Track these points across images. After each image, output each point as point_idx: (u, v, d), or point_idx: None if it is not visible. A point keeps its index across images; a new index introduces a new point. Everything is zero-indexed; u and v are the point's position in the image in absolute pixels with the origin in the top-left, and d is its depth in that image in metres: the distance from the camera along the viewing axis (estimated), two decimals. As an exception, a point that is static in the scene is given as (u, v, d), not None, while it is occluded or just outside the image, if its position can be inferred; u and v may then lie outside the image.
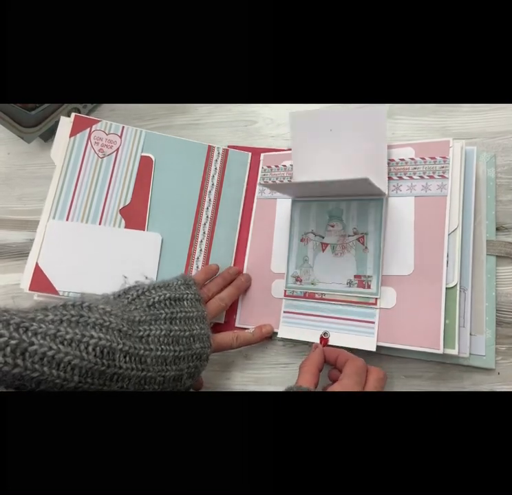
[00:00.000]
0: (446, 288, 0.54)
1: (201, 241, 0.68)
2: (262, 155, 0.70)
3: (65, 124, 0.69)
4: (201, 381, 0.61)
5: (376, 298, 0.56)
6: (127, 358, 0.46)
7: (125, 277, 0.58)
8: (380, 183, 0.58)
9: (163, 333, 0.51)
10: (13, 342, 0.39)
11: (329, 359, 0.55)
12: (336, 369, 0.55)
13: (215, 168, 0.70)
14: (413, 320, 0.54)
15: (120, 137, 0.69)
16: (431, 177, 0.57)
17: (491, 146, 0.63)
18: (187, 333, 0.53)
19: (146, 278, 0.59)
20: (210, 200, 0.69)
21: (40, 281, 0.63)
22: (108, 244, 0.65)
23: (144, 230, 0.67)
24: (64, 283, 0.63)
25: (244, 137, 0.74)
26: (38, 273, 0.63)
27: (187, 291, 0.56)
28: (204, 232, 0.68)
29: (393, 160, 0.60)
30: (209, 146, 0.70)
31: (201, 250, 0.67)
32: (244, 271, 0.67)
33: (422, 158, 0.58)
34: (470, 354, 0.54)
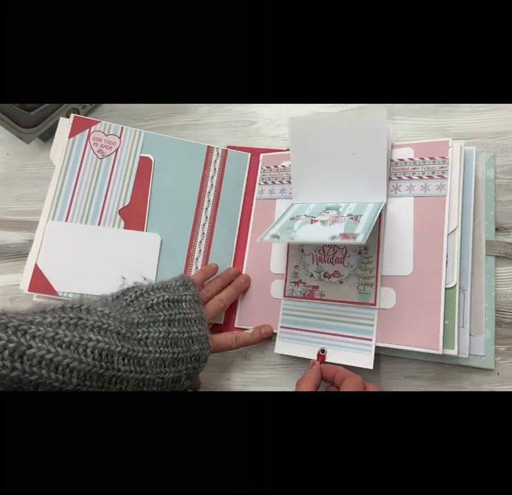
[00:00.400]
0: (446, 288, 0.54)
1: (201, 242, 0.68)
2: (261, 155, 0.70)
3: (64, 124, 0.69)
4: (199, 382, 0.61)
5: (375, 298, 0.56)
6: (126, 361, 0.46)
7: (124, 278, 0.58)
8: (379, 191, 0.58)
9: (162, 335, 0.51)
10: (11, 345, 0.39)
11: (327, 376, 0.55)
12: (333, 386, 0.54)
13: (214, 169, 0.70)
14: (413, 321, 0.54)
15: (119, 137, 0.69)
16: (430, 177, 0.57)
17: (491, 146, 0.63)
18: (186, 335, 0.53)
19: (145, 279, 0.59)
20: (209, 200, 0.69)
21: (39, 282, 0.63)
22: (107, 245, 0.65)
23: (143, 231, 0.67)
24: (63, 284, 0.63)
25: (243, 138, 0.74)
26: (37, 274, 0.63)
27: (186, 293, 0.56)
28: (203, 233, 0.68)
29: (392, 160, 0.60)
30: (208, 147, 0.70)
31: (200, 251, 0.67)
32: (243, 272, 0.67)
33: (422, 158, 0.58)
34: (469, 354, 0.54)
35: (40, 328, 0.42)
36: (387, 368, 0.59)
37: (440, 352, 0.52)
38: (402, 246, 0.57)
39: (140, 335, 0.49)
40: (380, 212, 0.57)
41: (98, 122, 0.69)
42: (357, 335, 0.57)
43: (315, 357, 0.58)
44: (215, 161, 0.70)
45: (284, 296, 0.62)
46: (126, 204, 0.67)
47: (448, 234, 0.55)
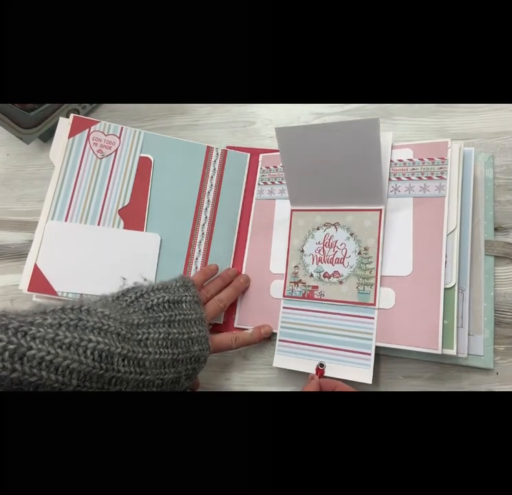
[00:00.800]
0: (445, 288, 0.54)
1: (200, 242, 0.68)
2: (261, 155, 0.71)
3: (64, 124, 0.69)
4: (197, 382, 0.61)
5: (375, 299, 0.56)
6: (126, 362, 0.46)
7: (124, 278, 0.58)
8: (376, 198, 0.58)
9: (162, 336, 0.51)
10: (11, 346, 0.39)
11: (326, 390, 0.55)
12: None
13: (214, 169, 0.70)
14: (412, 321, 0.54)
15: (119, 137, 0.70)
16: (429, 177, 0.57)
17: (489, 146, 0.63)
18: (186, 336, 0.53)
19: (145, 279, 0.59)
20: (208, 200, 0.69)
21: (38, 282, 0.63)
22: (107, 245, 0.65)
23: (143, 231, 0.67)
24: (62, 284, 0.63)
25: (243, 138, 0.74)
26: (36, 274, 0.63)
27: (186, 294, 0.56)
28: (203, 233, 0.68)
29: (391, 161, 0.60)
30: (208, 147, 0.71)
31: (200, 251, 0.67)
32: (243, 272, 0.67)
33: (421, 159, 0.58)
34: (468, 354, 0.54)
35: (41, 329, 0.42)
36: (386, 367, 0.59)
37: (439, 352, 0.52)
38: (401, 246, 0.57)
39: (140, 336, 0.49)
40: (380, 213, 0.58)
41: (98, 122, 0.70)
42: (356, 349, 0.56)
43: (314, 371, 0.58)
44: (215, 161, 0.70)
45: (284, 296, 0.62)
46: (125, 204, 0.67)
47: (447, 235, 0.55)
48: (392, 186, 0.59)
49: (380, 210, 0.58)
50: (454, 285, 0.54)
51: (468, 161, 0.58)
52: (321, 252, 0.61)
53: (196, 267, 0.67)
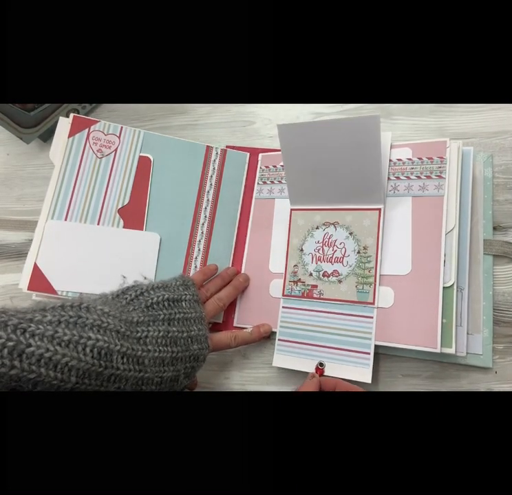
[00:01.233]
0: (444, 287, 0.54)
1: (200, 241, 0.68)
2: (260, 155, 0.71)
3: (64, 124, 0.69)
4: (195, 381, 0.61)
5: (374, 298, 0.57)
6: (125, 359, 0.47)
7: (124, 277, 0.58)
8: (375, 197, 0.58)
9: (161, 334, 0.51)
10: (10, 343, 0.39)
11: (326, 388, 0.55)
12: None
13: (213, 168, 0.70)
14: (411, 319, 0.54)
15: (119, 137, 0.70)
16: (428, 177, 0.57)
17: (488, 145, 0.63)
18: (185, 334, 0.53)
19: (145, 278, 0.59)
20: (208, 200, 0.69)
21: (38, 281, 0.63)
22: (106, 244, 0.66)
23: (142, 230, 0.67)
24: (62, 283, 0.63)
25: (242, 138, 0.74)
26: (36, 273, 0.63)
27: (186, 292, 0.56)
28: (202, 232, 0.68)
29: (390, 160, 0.60)
30: (207, 147, 0.71)
31: (199, 250, 0.67)
32: (242, 271, 0.67)
33: (420, 158, 0.58)
34: (467, 353, 0.55)
35: (40, 326, 0.42)
36: (385, 366, 0.60)
37: (437, 350, 0.52)
38: (400, 245, 0.57)
39: (139, 334, 0.49)
40: (379, 212, 0.58)
41: (98, 121, 0.70)
42: (355, 348, 0.56)
43: (313, 371, 0.58)
44: (214, 160, 0.71)
45: (283, 295, 0.63)
46: (125, 203, 0.67)
47: (446, 234, 0.55)
48: (391, 185, 0.59)
49: (379, 210, 0.58)
50: (453, 284, 0.54)
51: (467, 160, 0.58)
52: (320, 251, 0.61)
53: (195, 266, 0.67)
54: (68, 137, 0.69)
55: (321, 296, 0.60)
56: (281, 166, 0.67)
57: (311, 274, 0.61)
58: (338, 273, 0.60)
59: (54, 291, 0.63)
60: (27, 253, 0.64)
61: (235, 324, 0.66)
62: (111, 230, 0.66)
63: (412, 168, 0.59)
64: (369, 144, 0.56)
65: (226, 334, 0.61)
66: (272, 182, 0.68)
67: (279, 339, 0.61)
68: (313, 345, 0.59)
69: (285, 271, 0.63)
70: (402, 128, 0.67)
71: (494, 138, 0.64)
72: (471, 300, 0.57)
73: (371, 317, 0.56)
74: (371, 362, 0.55)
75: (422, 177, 0.58)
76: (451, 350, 0.52)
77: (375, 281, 0.57)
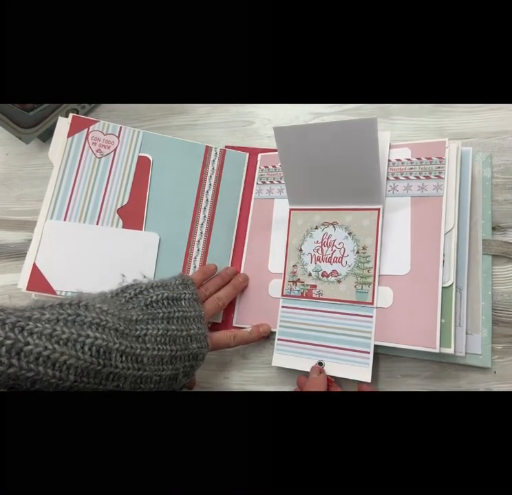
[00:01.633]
0: (443, 287, 0.54)
1: (199, 241, 0.68)
2: (259, 155, 0.71)
3: (63, 124, 0.69)
4: (194, 380, 0.61)
5: (373, 297, 0.57)
6: (123, 357, 0.46)
7: (123, 276, 0.58)
8: (375, 197, 0.58)
9: (160, 332, 0.51)
10: (8, 342, 0.39)
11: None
12: None
13: (213, 168, 0.70)
14: (410, 319, 0.54)
15: (118, 137, 0.70)
16: (427, 177, 0.57)
17: (487, 146, 0.63)
18: (184, 333, 0.53)
19: (145, 276, 0.59)
20: (207, 200, 0.69)
21: (37, 281, 0.63)
22: (105, 244, 0.65)
23: (141, 230, 0.67)
24: (61, 283, 0.63)
25: (242, 138, 0.74)
26: (35, 273, 0.63)
27: (185, 291, 0.56)
28: (202, 232, 0.68)
29: (389, 161, 0.60)
30: (207, 147, 0.71)
31: (198, 250, 0.67)
32: (242, 271, 0.67)
33: (419, 158, 0.58)
34: (466, 353, 0.55)
35: (38, 324, 0.42)
36: (384, 366, 0.60)
37: (436, 350, 0.52)
38: (399, 245, 0.57)
39: (138, 332, 0.49)
40: (378, 212, 0.58)
41: (97, 121, 0.70)
42: (355, 347, 0.56)
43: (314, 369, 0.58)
44: (214, 160, 0.71)
45: (282, 295, 0.63)
46: (124, 203, 0.67)
47: (445, 234, 0.55)
48: (390, 186, 0.59)
49: (378, 210, 0.58)
50: (452, 284, 0.54)
51: (466, 160, 0.58)
52: (320, 251, 0.61)
53: (195, 267, 0.67)
54: (67, 137, 0.68)
55: (320, 296, 0.60)
56: (280, 166, 0.67)
57: (310, 274, 0.61)
58: (337, 273, 0.60)
59: (52, 291, 0.63)
60: (26, 253, 0.64)
61: (234, 324, 0.66)
62: (111, 230, 0.66)
63: (411, 168, 0.59)
64: (366, 146, 0.55)
65: (225, 333, 0.61)
66: (272, 182, 0.68)
67: (278, 339, 0.61)
68: (312, 344, 0.59)
69: (285, 271, 0.63)
70: (402, 128, 0.67)
71: (493, 138, 0.64)
72: (470, 300, 0.57)
73: (371, 317, 0.56)
74: (370, 361, 0.55)
75: (421, 177, 0.58)
76: (450, 350, 0.52)
77: (374, 281, 0.57)
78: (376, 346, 0.56)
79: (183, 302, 0.55)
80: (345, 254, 0.60)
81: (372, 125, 0.54)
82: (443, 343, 0.53)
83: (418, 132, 0.66)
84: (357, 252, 0.59)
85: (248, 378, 0.65)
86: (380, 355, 0.59)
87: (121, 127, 0.70)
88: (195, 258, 0.67)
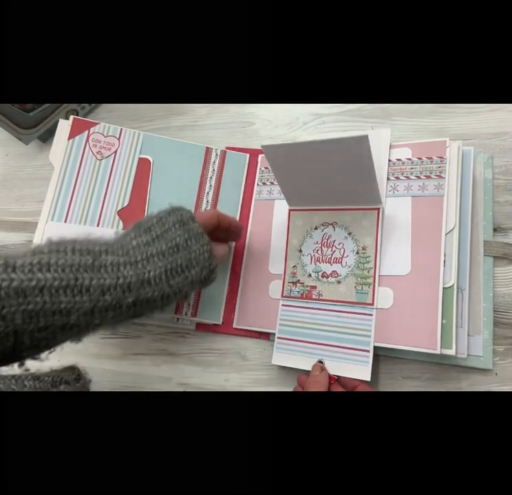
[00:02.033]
0: (444, 288, 0.53)
1: (199, 242, 0.67)
2: (260, 156, 0.71)
3: (64, 126, 0.70)
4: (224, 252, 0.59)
5: (373, 298, 0.56)
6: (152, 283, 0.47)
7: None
8: (374, 199, 0.58)
9: (169, 245, 0.50)
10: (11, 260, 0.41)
11: (347, 388, 0.55)
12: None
13: (213, 170, 0.70)
14: (411, 320, 0.54)
15: (118, 139, 0.70)
16: (428, 177, 0.57)
17: (488, 147, 0.63)
18: (186, 235, 0.52)
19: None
20: (208, 201, 0.69)
21: (37, 282, 0.63)
22: (105, 245, 0.65)
23: (141, 231, 0.66)
24: (61, 284, 0.63)
25: (242, 139, 0.74)
26: (35, 274, 0.63)
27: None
28: (202, 233, 0.68)
29: (390, 160, 0.60)
30: (207, 148, 0.71)
31: (198, 251, 0.67)
32: (242, 272, 0.67)
33: (419, 158, 0.58)
34: (468, 355, 0.54)
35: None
36: (385, 368, 0.59)
37: (437, 352, 0.52)
38: (400, 246, 0.57)
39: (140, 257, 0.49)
40: (378, 212, 0.58)
41: (97, 123, 0.70)
42: (354, 346, 0.56)
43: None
44: (214, 162, 0.71)
45: (282, 296, 0.62)
46: (125, 205, 0.67)
47: (446, 234, 0.55)
48: (391, 186, 0.59)
49: (378, 209, 0.58)
50: (453, 285, 0.53)
51: (468, 160, 0.58)
52: (319, 252, 0.61)
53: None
54: (68, 139, 0.69)
55: (320, 297, 0.60)
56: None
57: (310, 275, 0.61)
58: (337, 273, 0.59)
59: (52, 292, 0.62)
60: (26, 254, 0.64)
61: (234, 326, 0.65)
62: (111, 232, 0.66)
63: (412, 168, 0.58)
64: (360, 161, 0.53)
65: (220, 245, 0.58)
66: (272, 183, 0.68)
67: (278, 337, 0.61)
68: (312, 343, 0.59)
69: (285, 272, 0.63)
70: (402, 129, 0.67)
71: (494, 139, 0.63)
72: (471, 302, 0.56)
73: (371, 315, 0.56)
74: (370, 360, 0.55)
75: (422, 176, 0.57)
76: (451, 352, 0.52)
77: (374, 282, 0.57)
78: (376, 348, 0.56)
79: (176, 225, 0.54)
80: (345, 255, 0.59)
81: (364, 142, 0.50)
82: (444, 344, 0.52)
83: (418, 133, 0.66)
84: (357, 253, 0.59)
85: (248, 380, 0.64)
86: (381, 356, 0.59)
87: (122, 129, 0.70)
88: (195, 259, 0.67)
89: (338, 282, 0.59)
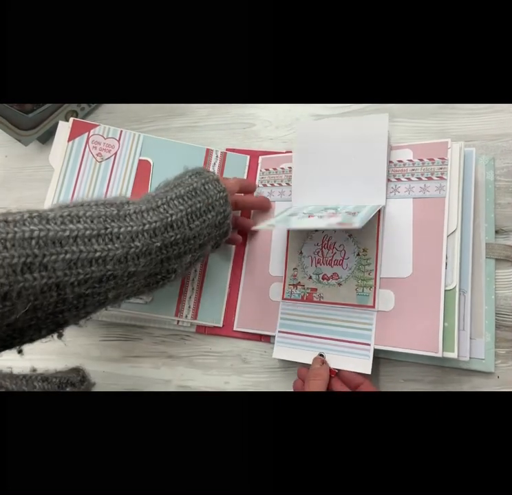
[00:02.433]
0: (446, 290, 0.53)
1: (199, 244, 0.67)
2: (260, 157, 0.70)
3: (64, 128, 0.70)
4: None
5: (374, 301, 0.56)
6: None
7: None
8: (378, 194, 0.58)
9: (187, 188, 0.54)
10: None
11: (348, 383, 0.55)
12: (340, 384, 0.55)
13: (213, 171, 0.70)
14: (412, 323, 0.54)
15: (118, 141, 0.70)
16: (429, 178, 0.57)
17: (490, 148, 0.63)
18: (203, 180, 0.55)
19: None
20: (208, 203, 0.69)
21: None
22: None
23: (141, 233, 0.66)
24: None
25: (242, 140, 0.73)
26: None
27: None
28: (202, 235, 0.68)
29: (391, 162, 0.59)
30: (207, 149, 0.70)
31: (198, 253, 0.67)
32: (242, 274, 0.67)
33: (421, 159, 0.58)
34: (469, 357, 0.54)
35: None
36: (386, 371, 0.59)
37: (439, 355, 0.51)
38: (401, 248, 0.56)
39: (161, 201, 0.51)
40: (379, 213, 0.57)
41: (97, 125, 0.70)
42: (355, 339, 0.56)
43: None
44: (214, 163, 0.70)
45: (283, 299, 0.62)
46: (124, 206, 0.67)
47: (447, 236, 0.54)
48: (392, 187, 0.59)
49: (379, 209, 0.58)
50: (455, 287, 0.53)
51: (469, 161, 0.57)
52: (320, 254, 0.61)
53: (195, 270, 0.66)
54: (68, 141, 0.69)
55: (321, 300, 0.59)
56: (282, 168, 0.67)
57: (310, 277, 0.61)
58: (337, 276, 0.59)
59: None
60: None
61: (235, 329, 0.65)
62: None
63: (413, 170, 0.58)
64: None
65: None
66: (272, 185, 0.68)
67: (279, 331, 0.61)
68: (313, 337, 0.59)
69: (285, 275, 0.63)
70: (404, 130, 0.67)
71: (496, 141, 0.63)
72: (473, 304, 0.56)
73: (372, 308, 0.56)
74: (371, 353, 0.55)
75: (423, 178, 0.57)
76: (453, 355, 0.52)
77: (375, 284, 0.57)
78: (377, 351, 0.55)
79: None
80: (346, 257, 0.59)
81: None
82: (446, 347, 0.52)
83: (419, 134, 0.66)
84: (358, 254, 0.58)
85: (248, 383, 0.64)
86: (382, 359, 0.59)
87: (121, 131, 0.70)
88: (195, 261, 0.67)
89: (339, 284, 0.59)
